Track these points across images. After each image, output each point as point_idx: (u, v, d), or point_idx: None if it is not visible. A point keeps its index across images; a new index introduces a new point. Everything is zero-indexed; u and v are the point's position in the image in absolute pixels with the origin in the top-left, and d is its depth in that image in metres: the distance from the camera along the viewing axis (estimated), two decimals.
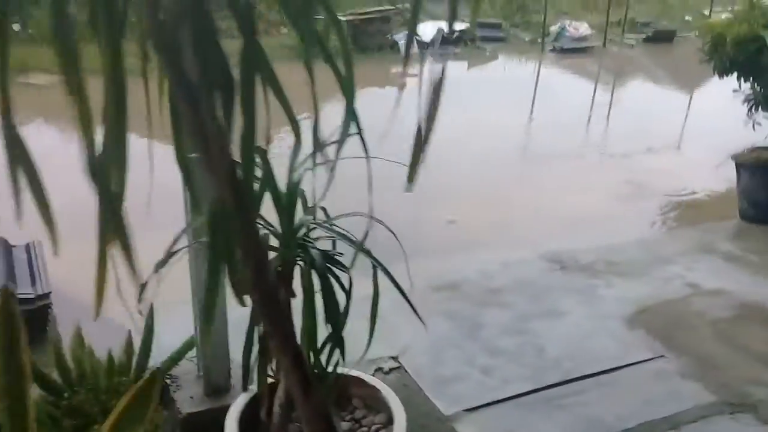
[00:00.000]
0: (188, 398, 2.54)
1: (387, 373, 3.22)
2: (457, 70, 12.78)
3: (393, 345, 3.46)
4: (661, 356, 3.36)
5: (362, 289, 1.99)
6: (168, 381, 2.61)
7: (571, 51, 13.30)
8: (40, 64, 10.48)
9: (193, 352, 2.71)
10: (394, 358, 3.35)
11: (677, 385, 3.13)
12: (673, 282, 4.20)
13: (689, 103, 9.43)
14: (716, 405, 2.99)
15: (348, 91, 1.21)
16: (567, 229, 5.49)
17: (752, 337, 3.54)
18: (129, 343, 2.55)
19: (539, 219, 5.78)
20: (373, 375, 2.88)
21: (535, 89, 10.91)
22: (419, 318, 2.01)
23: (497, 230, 5.51)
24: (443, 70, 1.01)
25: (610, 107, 9.55)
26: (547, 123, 9.23)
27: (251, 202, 1.45)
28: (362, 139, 1.36)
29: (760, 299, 3.94)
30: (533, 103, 9.83)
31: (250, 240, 1.31)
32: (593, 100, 9.90)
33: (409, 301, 1.99)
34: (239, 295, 1.35)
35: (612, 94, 10.19)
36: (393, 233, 2.07)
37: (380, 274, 1.94)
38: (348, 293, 1.96)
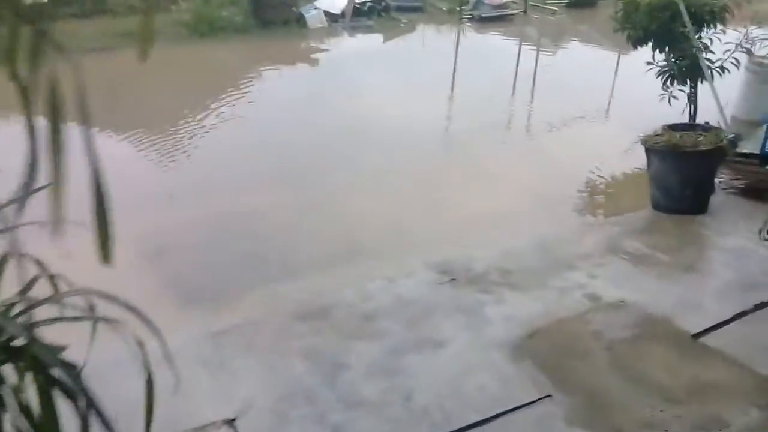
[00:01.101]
0: None
1: None
2: (370, 43, 12.17)
3: (233, 400, 2.93)
4: (548, 396, 2.93)
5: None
6: None
7: (491, 19, 12.86)
8: None
9: None
10: (230, 422, 2.81)
11: None
12: (571, 294, 3.79)
13: (612, 75, 9.13)
14: None
15: None
16: (466, 229, 5.04)
17: (652, 362, 3.15)
18: None
19: (438, 218, 5.31)
20: None
21: (455, 63, 10.43)
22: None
23: (389, 235, 5.01)
24: None
25: (534, 80, 9.14)
26: (466, 99, 8.77)
27: None
28: None
29: (664, 311, 3.57)
30: (453, 78, 9.35)
31: None
32: (516, 74, 9.49)
33: None
34: None
35: (536, 66, 9.82)
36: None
37: None
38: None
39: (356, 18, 12.50)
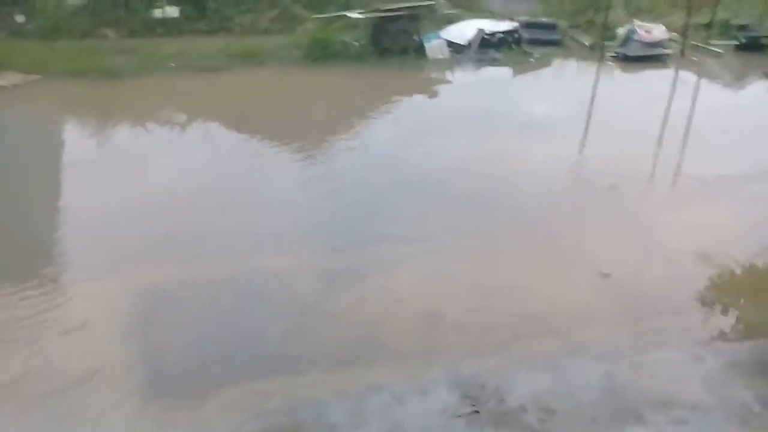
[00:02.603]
0: None
1: None
2: (497, 78, 11.32)
3: None
4: None
5: None
6: None
7: (640, 59, 11.52)
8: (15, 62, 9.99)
9: None
10: None
11: None
12: None
13: None
14: None
15: None
16: (521, 329, 4.12)
17: None
18: None
19: (489, 311, 4.42)
20: None
21: (592, 104, 9.40)
22: None
23: (423, 327, 4.20)
24: None
25: (689, 125, 7.95)
26: (600, 146, 7.76)
27: None
28: None
29: None
30: (588, 122, 8.36)
31: None
32: (666, 119, 8.36)
33: None
34: None
35: (691, 110, 8.59)
36: None
37: None
38: None
39: (483, 50, 11.72)
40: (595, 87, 10.80)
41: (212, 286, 4.66)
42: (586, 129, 8.59)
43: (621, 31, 12.30)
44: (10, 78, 9.64)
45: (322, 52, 11.03)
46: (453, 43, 11.68)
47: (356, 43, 11.40)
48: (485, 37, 11.81)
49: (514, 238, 5.52)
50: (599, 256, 5.14)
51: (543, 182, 6.63)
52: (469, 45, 11.72)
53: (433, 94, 10.41)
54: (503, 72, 11.49)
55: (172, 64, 10.64)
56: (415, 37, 11.36)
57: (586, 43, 12.40)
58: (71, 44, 11.02)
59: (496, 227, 5.70)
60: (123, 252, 5.11)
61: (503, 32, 11.96)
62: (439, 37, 11.59)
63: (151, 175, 6.62)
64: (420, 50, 11.31)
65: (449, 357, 3.72)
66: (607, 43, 12.05)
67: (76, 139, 8.12)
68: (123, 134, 8.38)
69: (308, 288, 4.66)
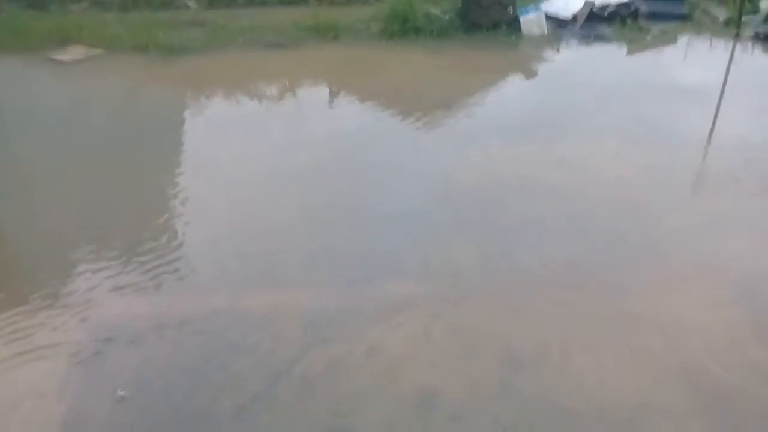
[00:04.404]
0: None
1: None
2: (606, 58, 9.71)
3: None
4: None
5: None
6: None
7: None
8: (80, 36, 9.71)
9: None
10: None
11: None
12: None
13: None
14: None
15: None
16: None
17: None
18: None
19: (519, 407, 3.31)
20: None
21: (721, 96, 7.74)
22: None
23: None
24: None
25: None
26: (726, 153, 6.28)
27: None
28: None
29: None
30: (714, 119, 6.87)
31: None
32: None
33: None
34: None
35: None
36: None
37: None
38: None
39: (590, 24, 10.14)
40: (727, 73, 8.95)
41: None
42: (713, 131, 7.00)
43: (765, 5, 10.23)
44: (73, 52, 9.37)
45: (401, 26, 9.94)
46: (554, 17, 10.19)
47: (444, 16, 10.21)
48: (594, 10, 10.21)
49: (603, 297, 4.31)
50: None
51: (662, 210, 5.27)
52: (574, 19, 10.18)
53: (530, 75, 9.03)
54: (613, 50, 9.86)
55: (240, 40, 9.99)
56: (510, 10, 9.99)
57: (720, 18, 10.46)
58: (145, 16, 10.66)
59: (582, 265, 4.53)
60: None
61: (617, 4, 10.28)
62: (537, 10, 10.13)
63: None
64: (513, 24, 9.93)
65: None
66: (746, 18, 10.06)
67: (119, 118, 7.66)
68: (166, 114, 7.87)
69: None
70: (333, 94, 8.47)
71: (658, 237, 4.86)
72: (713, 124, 7.11)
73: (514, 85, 8.75)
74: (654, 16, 10.38)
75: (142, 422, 3.33)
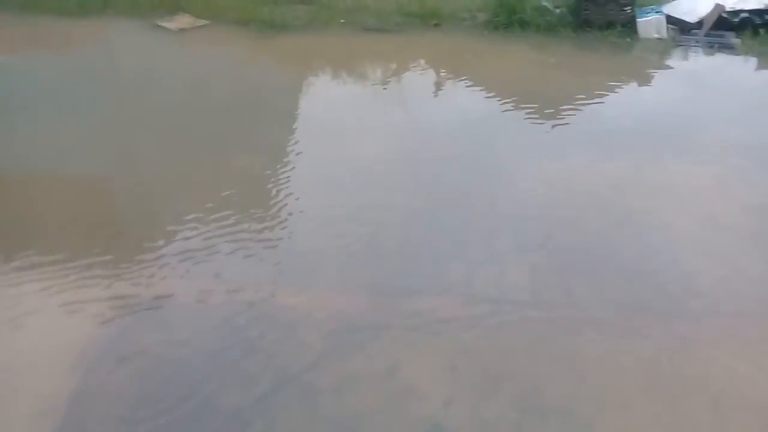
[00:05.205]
0: None
1: None
2: (735, 71, 8.79)
3: None
4: None
5: None
6: None
7: None
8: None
9: None
10: None
11: None
12: None
13: None
14: None
15: None
16: None
17: None
18: None
19: None
20: None
21: None
22: None
23: None
24: None
25: None
26: None
27: None
28: None
29: None
30: None
31: None
32: None
33: None
34: None
35: None
36: None
37: None
38: None
39: (717, 32, 9.21)
40: None
41: None
42: None
43: None
44: (180, 21, 9.60)
45: (508, 18, 9.45)
46: (677, 20, 9.33)
47: (557, 10, 9.61)
48: (724, 15, 9.26)
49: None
50: None
51: None
52: (699, 24, 9.28)
53: (643, 82, 8.31)
54: (740, 63, 8.90)
55: (342, 21, 9.88)
56: (628, 10, 9.25)
57: None
58: None
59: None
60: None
61: (751, 10, 9.27)
62: (659, 11, 9.31)
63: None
64: (629, 26, 9.19)
65: None
66: None
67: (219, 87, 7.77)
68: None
69: None
70: (438, 84, 8.28)
71: (737, 289, 4.27)
72: None
73: (621, 93, 8.07)
74: None
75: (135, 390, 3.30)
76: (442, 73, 8.56)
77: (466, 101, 7.55)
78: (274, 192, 5.33)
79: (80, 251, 4.47)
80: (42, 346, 3.68)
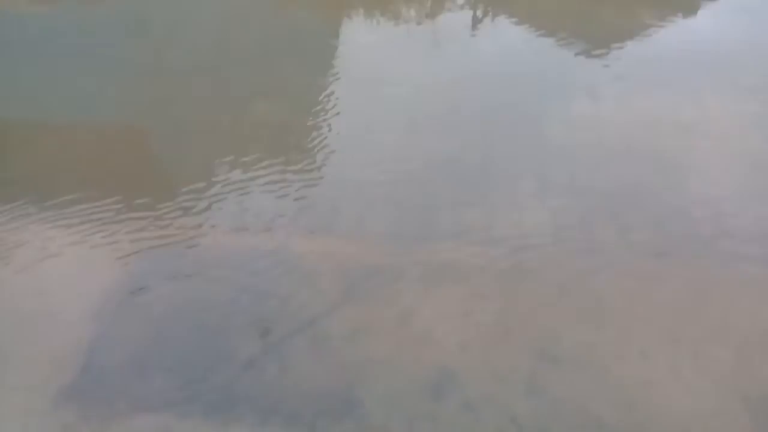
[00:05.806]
0: None
1: None
2: None
3: None
4: None
5: None
6: None
7: None
8: None
9: None
10: None
11: None
12: None
13: None
14: None
15: None
16: None
17: None
18: None
19: None
20: None
21: None
22: None
23: None
24: None
25: None
26: None
27: None
28: None
29: None
30: None
31: None
32: None
33: None
34: None
35: None
36: None
37: None
38: None
39: None
40: None
41: None
42: None
43: None
44: None
45: None
46: None
47: None
48: None
49: None
50: None
51: None
52: None
53: (688, 13, 7.86)
54: None
55: None
56: None
57: None
58: None
59: None
60: None
61: None
62: None
63: None
64: None
65: None
66: None
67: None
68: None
69: None
70: (476, 20, 8.00)
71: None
72: None
73: (666, 26, 7.64)
74: None
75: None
76: (488, 6, 8.24)
77: (504, 37, 7.30)
78: (302, 137, 5.31)
79: (111, 192, 4.58)
80: (69, 283, 3.83)
